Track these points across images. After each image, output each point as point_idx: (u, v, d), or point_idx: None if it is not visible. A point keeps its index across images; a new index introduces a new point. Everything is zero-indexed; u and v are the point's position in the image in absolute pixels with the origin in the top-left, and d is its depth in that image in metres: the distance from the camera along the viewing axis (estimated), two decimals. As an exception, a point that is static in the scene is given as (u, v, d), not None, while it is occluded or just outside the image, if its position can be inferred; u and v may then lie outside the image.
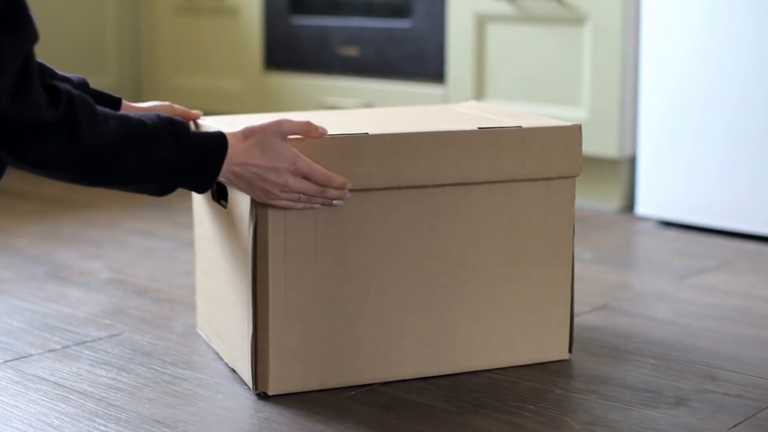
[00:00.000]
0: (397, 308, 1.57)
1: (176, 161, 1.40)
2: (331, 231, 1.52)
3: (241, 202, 1.54)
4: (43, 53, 1.86)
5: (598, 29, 2.66)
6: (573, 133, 1.62)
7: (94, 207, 2.80)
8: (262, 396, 1.54)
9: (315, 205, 1.50)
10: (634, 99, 2.68)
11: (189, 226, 2.51)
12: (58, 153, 1.30)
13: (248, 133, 1.46)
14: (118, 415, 1.47)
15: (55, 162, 1.31)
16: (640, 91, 2.63)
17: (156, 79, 3.63)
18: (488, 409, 1.49)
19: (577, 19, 2.70)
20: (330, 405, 1.51)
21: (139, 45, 3.69)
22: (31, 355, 1.71)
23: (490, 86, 2.86)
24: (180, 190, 1.49)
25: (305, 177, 1.47)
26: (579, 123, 1.64)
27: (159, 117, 1.41)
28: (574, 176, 1.63)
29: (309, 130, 1.49)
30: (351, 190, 1.51)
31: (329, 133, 1.50)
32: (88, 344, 1.76)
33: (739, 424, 1.45)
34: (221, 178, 1.46)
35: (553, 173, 1.62)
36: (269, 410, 1.49)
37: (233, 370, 1.63)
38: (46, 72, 1.47)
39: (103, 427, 1.43)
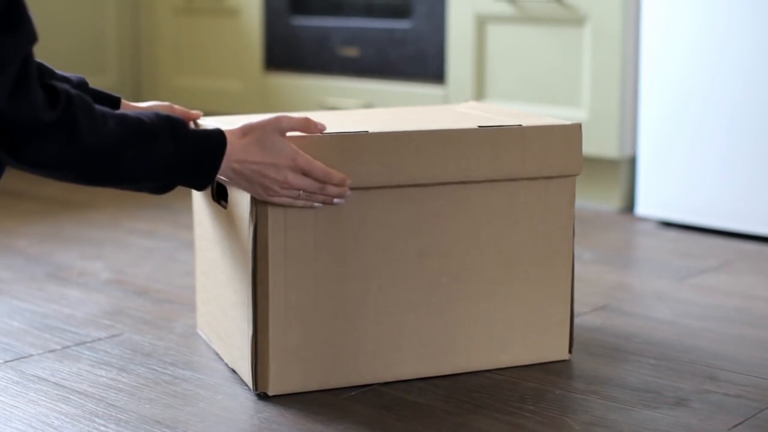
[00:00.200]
0: (397, 308, 1.57)
1: (175, 159, 1.40)
2: (331, 231, 1.52)
3: (241, 202, 1.54)
4: (43, 53, 1.86)
5: (598, 30, 2.66)
6: (573, 132, 1.62)
7: (94, 207, 2.80)
8: (262, 396, 1.54)
9: (316, 204, 1.50)
10: (634, 99, 2.69)
11: (189, 226, 2.51)
12: (56, 153, 1.30)
13: (247, 130, 1.46)
14: (119, 416, 1.47)
15: (54, 162, 1.31)
16: (640, 92, 2.63)
17: (156, 80, 3.63)
18: (488, 410, 1.49)
19: (577, 20, 2.70)
20: (330, 405, 1.51)
21: (139, 45, 3.69)
22: (31, 355, 1.71)
23: (490, 87, 2.86)
24: (180, 190, 1.49)
25: (305, 173, 1.47)
26: (579, 122, 1.64)
27: (157, 115, 1.41)
28: (574, 175, 1.64)
29: (308, 126, 1.49)
30: (351, 188, 1.51)
31: (329, 131, 1.50)
32: (88, 345, 1.76)
33: (739, 424, 1.45)
34: (220, 176, 1.45)
35: (553, 172, 1.62)
36: (269, 411, 1.49)
37: (233, 371, 1.63)
38: (45, 72, 1.47)
39: (103, 428, 1.43)
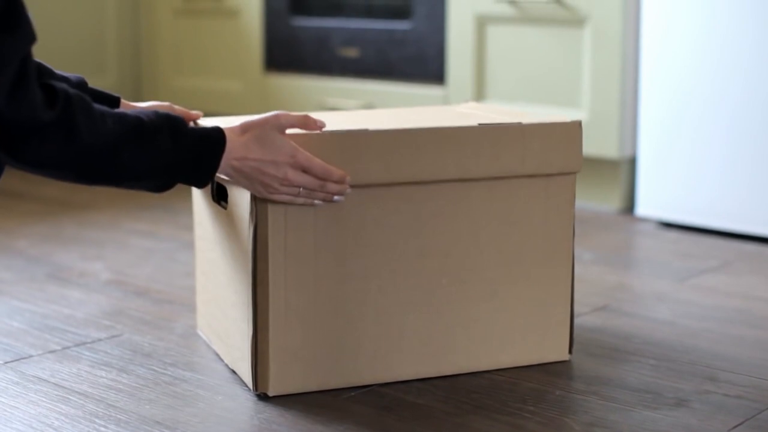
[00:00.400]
0: (397, 309, 1.57)
1: (174, 157, 1.40)
2: (331, 231, 1.52)
3: (241, 203, 1.54)
4: (43, 53, 1.86)
5: (599, 30, 2.66)
6: (573, 130, 1.62)
7: (94, 208, 2.80)
8: (262, 397, 1.54)
9: (316, 201, 1.49)
10: (634, 100, 2.69)
11: (189, 227, 2.51)
12: (55, 153, 1.30)
13: (246, 128, 1.46)
14: (119, 416, 1.47)
15: (54, 162, 1.31)
16: (640, 92, 2.63)
17: (156, 80, 3.63)
18: (488, 410, 1.49)
19: (577, 21, 2.70)
20: (330, 406, 1.51)
21: (139, 46, 3.69)
22: (31, 356, 1.71)
23: (491, 87, 2.86)
24: (180, 190, 1.49)
25: (305, 170, 1.47)
26: (579, 119, 1.64)
27: (156, 113, 1.40)
28: (575, 172, 1.63)
29: (307, 124, 1.49)
30: (351, 186, 1.50)
31: (329, 129, 1.50)
32: (89, 345, 1.76)
33: (739, 425, 1.45)
34: (220, 173, 1.45)
35: (553, 169, 1.62)
36: (269, 411, 1.49)
37: (233, 371, 1.63)
38: (44, 72, 1.47)
39: (103, 428, 1.43)
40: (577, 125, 1.62)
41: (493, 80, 2.85)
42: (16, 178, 3.00)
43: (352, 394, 1.55)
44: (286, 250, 1.51)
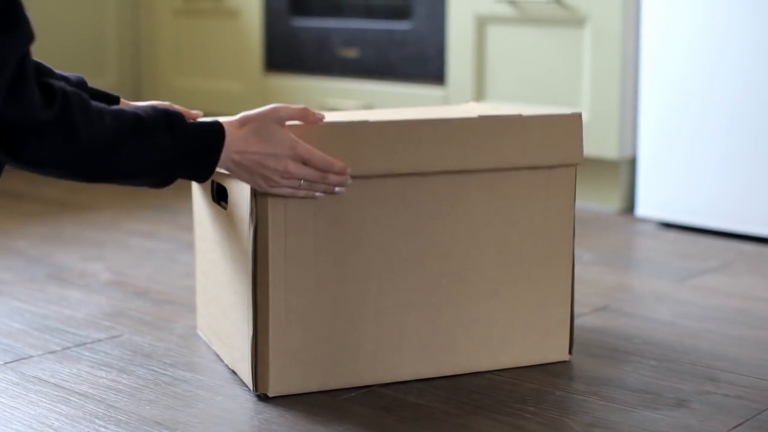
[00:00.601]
0: (397, 309, 1.57)
1: (173, 153, 1.39)
2: (331, 232, 1.52)
3: (241, 203, 1.54)
4: (44, 54, 1.86)
5: (599, 31, 2.67)
6: (573, 121, 1.62)
7: (94, 208, 2.80)
8: (263, 397, 1.54)
9: (317, 194, 1.49)
10: (634, 100, 2.69)
11: (189, 227, 2.51)
12: (55, 151, 1.29)
13: (245, 121, 1.46)
14: (119, 417, 1.47)
15: (53, 160, 1.31)
16: (640, 93, 2.63)
17: (156, 81, 3.63)
18: (488, 411, 1.49)
19: (577, 21, 2.70)
20: (330, 406, 1.51)
21: (139, 46, 3.69)
22: (31, 356, 1.71)
23: (491, 88, 2.86)
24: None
25: (305, 162, 1.46)
26: (579, 111, 1.64)
27: (154, 109, 1.40)
28: (575, 164, 1.63)
29: (306, 116, 1.49)
30: (352, 177, 1.50)
31: (329, 121, 1.50)
32: (89, 346, 1.76)
33: (739, 425, 1.45)
34: (220, 168, 1.45)
35: (554, 161, 1.61)
36: (269, 412, 1.49)
37: (233, 372, 1.63)
38: (44, 71, 1.47)
39: (103, 429, 1.43)
40: (577, 117, 1.62)
41: (493, 80, 2.85)
42: (16, 179, 3.00)
43: (352, 394, 1.55)
44: (286, 251, 1.51)
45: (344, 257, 1.53)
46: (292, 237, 1.51)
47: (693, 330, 1.84)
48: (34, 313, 1.92)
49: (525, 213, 1.62)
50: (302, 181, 1.47)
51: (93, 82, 1.59)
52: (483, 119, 1.57)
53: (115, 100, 1.59)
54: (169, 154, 1.39)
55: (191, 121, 1.43)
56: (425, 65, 2.97)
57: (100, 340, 1.78)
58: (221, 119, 1.47)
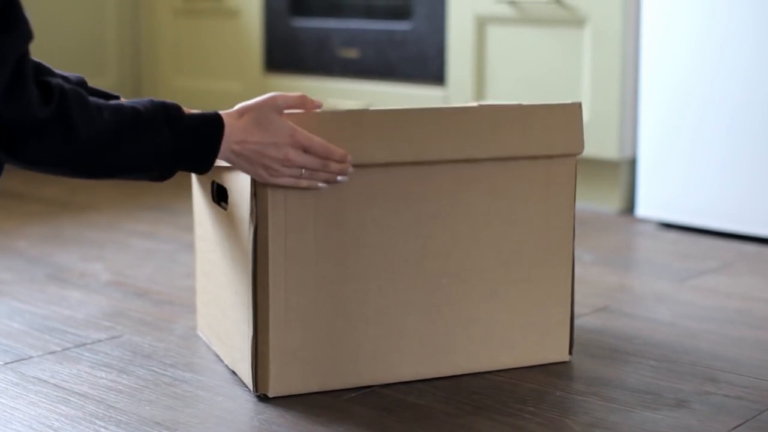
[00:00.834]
0: (397, 309, 1.57)
1: (173, 145, 1.39)
2: (331, 232, 1.52)
3: (241, 203, 1.54)
4: (43, 53, 1.86)
5: (599, 31, 2.67)
6: (574, 111, 1.61)
7: (94, 209, 2.80)
8: (263, 398, 1.54)
9: (320, 184, 1.48)
10: (634, 101, 2.69)
11: (189, 228, 2.51)
12: (54, 149, 1.29)
13: (243, 111, 1.46)
14: (119, 417, 1.47)
15: (53, 159, 1.31)
16: (640, 93, 2.63)
17: (156, 81, 3.63)
18: (488, 411, 1.49)
19: (577, 21, 2.70)
20: (330, 407, 1.51)
21: (139, 46, 3.69)
22: (31, 357, 1.71)
23: (491, 88, 2.86)
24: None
25: (305, 150, 1.46)
26: (579, 101, 1.64)
27: (152, 102, 1.40)
28: (576, 154, 1.63)
29: (304, 103, 1.49)
30: (353, 165, 1.49)
31: (329, 110, 1.50)
32: (89, 346, 1.76)
33: (739, 425, 1.45)
34: (221, 159, 1.44)
35: (554, 151, 1.61)
36: (269, 412, 1.49)
37: (233, 372, 1.63)
38: (43, 71, 1.46)
39: (103, 429, 1.43)
40: (577, 107, 1.62)
41: (493, 81, 2.85)
42: (16, 179, 3.00)
43: (353, 395, 1.55)
44: (286, 251, 1.51)
45: (344, 257, 1.53)
46: (292, 237, 1.51)
47: (693, 330, 1.84)
48: (34, 314, 1.92)
49: (525, 211, 1.62)
50: (303, 171, 1.46)
51: (93, 82, 1.59)
52: (483, 108, 1.57)
53: (116, 99, 1.59)
54: (168, 146, 1.39)
55: (190, 112, 1.43)
56: (425, 65, 2.97)
57: (100, 341, 1.78)
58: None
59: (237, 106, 1.47)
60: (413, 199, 1.55)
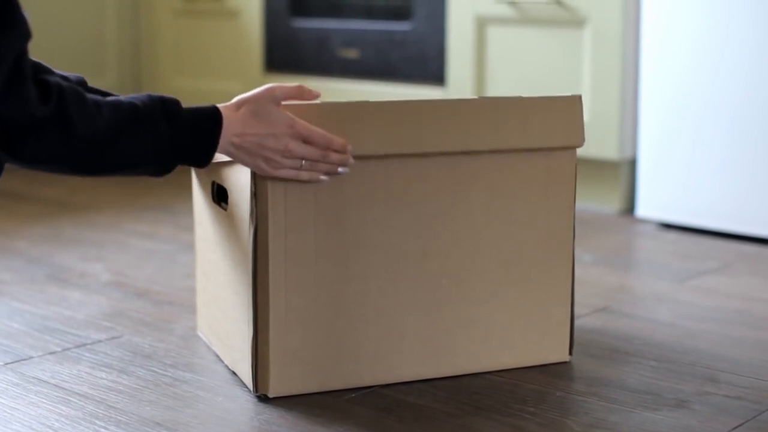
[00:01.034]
0: (398, 310, 1.57)
1: (172, 140, 1.39)
2: (331, 232, 1.52)
3: (241, 204, 1.54)
4: (44, 53, 1.86)
5: (599, 31, 2.67)
6: (574, 103, 1.61)
7: (94, 209, 2.80)
8: (263, 398, 1.54)
9: (321, 176, 1.48)
10: (634, 101, 2.69)
11: (189, 228, 2.51)
12: (53, 148, 1.29)
13: (241, 103, 1.46)
14: (119, 418, 1.47)
15: (52, 157, 1.31)
16: (640, 93, 2.63)
17: (156, 81, 3.63)
18: (489, 411, 1.49)
19: (577, 22, 2.70)
20: (330, 407, 1.51)
21: (139, 46, 3.69)
22: (31, 357, 1.71)
23: (491, 88, 2.86)
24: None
25: (305, 140, 1.46)
26: (579, 94, 1.64)
27: (150, 97, 1.40)
28: (576, 147, 1.63)
29: (301, 93, 1.49)
30: (353, 157, 1.49)
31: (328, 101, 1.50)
32: (89, 346, 1.76)
33: (739, 426, 1.45)
34: (220, 152, 1.44)
35: (554, 143, 1.61)
36: (270, 412, 1.49)
37: (233, 373, 1.63)
38: (42, 70, 1.46)
39: (103, 430, 1.43)
40: (577, 99, 1.62)
41: (493, 81, 2.85)
42: (16, 179, 3.00)
43: (353, 395, 1.55)
44: (286, 251, 1.51)
45: (344, 257, 1.53)
46: (292, 237, 1.51)
47: (693, 331, 1.84)
48: (34, 314, 1.92)
49: (525, 210, 1.61)
50: (303, 162, 1.46)
51: (93, 82, 1.59)
52: (483, 100, 1.57)
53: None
54: (167, 141, 1.39)
55: (188, 106, 1.43)
56: (425, 66, 2.97)
57: (100, 341, 1.78)
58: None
59: (234, 99, 1.47)
60: (413, 198, 1.55)
